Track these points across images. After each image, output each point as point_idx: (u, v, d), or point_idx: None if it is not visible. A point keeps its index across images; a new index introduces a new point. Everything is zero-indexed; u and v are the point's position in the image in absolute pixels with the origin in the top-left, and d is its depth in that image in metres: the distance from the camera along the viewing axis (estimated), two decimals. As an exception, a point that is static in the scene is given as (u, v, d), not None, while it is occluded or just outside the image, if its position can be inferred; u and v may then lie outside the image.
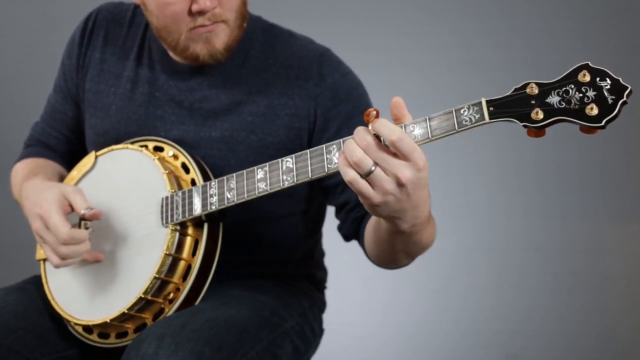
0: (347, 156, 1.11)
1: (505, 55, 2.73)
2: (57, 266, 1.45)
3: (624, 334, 2.71)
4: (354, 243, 1.56)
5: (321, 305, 1.77)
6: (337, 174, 1.23)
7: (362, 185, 1.11)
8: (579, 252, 2.76)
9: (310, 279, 1.75)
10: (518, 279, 2.77)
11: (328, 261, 1.85)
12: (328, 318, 1.79)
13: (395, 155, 1.09)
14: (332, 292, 1.88)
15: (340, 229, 1.54)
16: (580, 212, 2.79)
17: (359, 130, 1.11)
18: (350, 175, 1.11)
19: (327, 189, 1.53)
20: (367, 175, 1.10)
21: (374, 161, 1.09)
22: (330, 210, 1.78)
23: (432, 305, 2.82)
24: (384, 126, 1.09)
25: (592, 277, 2.75)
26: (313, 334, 1.67)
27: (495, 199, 2.78)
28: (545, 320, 2.74)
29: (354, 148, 1.10)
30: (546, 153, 2.75)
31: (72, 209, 1.47)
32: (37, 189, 1.50)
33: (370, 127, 1.15)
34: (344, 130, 1.51)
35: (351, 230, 1.50)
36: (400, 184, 1.09)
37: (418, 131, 1.13)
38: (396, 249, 1.31)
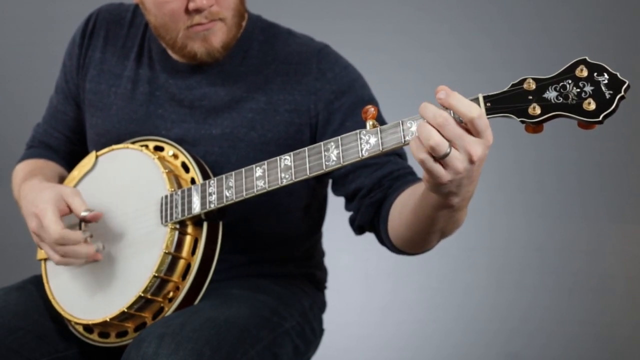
0: (422, 139, 1.06)
1: (505, 54, 2.73)
2: (58, 263, 1.45)
3: (624, 334, 2.71)
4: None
5: (321, 305, 1.77)
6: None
7: (435, 166, 1.07)
8: (580, 252, 2.76)
9: (310, 278, 1.75)
10: (518, 278, 2.77)
11: (328, 261, 1.85)
12: (328, 318, 1.79)
13: (467, 130, 1.06)
14: (332, 292, 1.88)
15: (353, 220, 1.49)
16: (580, 212, 2.79)
17: (428, 107, 1.07)
18: (421, 156, 1.07)
19: (336, 180, 1.51)
20: (442, 158, 1.06)
21: (449, 139, 1.05)
22: (330, 210, 1.78)
23: (433, 305, 2.82)
24: (462, 102, 1.05)
25: (592, 277, 2.75)
26: (313, 333, 1.67)
27: (495, 198, 2.77)
28: (545, 319, 2.74)
29: (430, 130, 1.05)
30: (547, 153, 2.75)
31: (70, 211, 1.47)
32: (35, 190, 1.50)
33: (369, 124, 1.14)
34: (348, 121, 1.50)
35: (367, 218, 1.44)
36: (471, 161, 1.06)
37: (416, 127, 1.12)
38: (435, 228, 1.25)
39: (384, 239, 1.42)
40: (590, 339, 2.69)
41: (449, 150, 1.06)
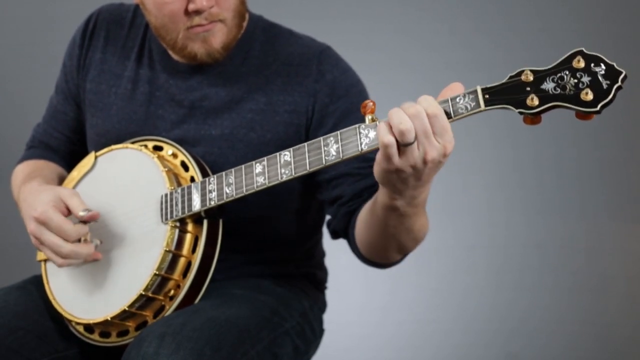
0: (393, 123, 1.10)
1: (505, 54, 2.73)
2: (61, 265, 1.44)
3: (623, 334, 2.71)
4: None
5: (321, 305, 1.77)
6: (332, 168, 1.24)
7: (394, 151, 1.11)
8: (579, 251, 2.76)
9: (310, 278, 1.75)
10: (518, 277, 2.77)
11: (328, 261, 1.85)
12: (328, 318, 1.79)
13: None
14: (332, 292, 1.88)
15: (329, 224, 1.53)
16: (580, 210, 2.79)
17: (408, 103, 1.12)
18: (388, 139, 1.11)
19: (320, 183, 1.52)
20: (404, 145, 1.11)
21: (416, 131, 1.10)
22: (330, 210, 1.78)
23: (432, 305, 2.82)
24: (425, 100, 1.11)
25: (592, 276, 2.75)
26: (313, 333, 1.67)
27: (495, 196, 2.78)
28: (545, 319, 2.73)
29: (403, 116, 1.10)
30: (546, 151, 2.75)
31: (69, 212, 1.46)
32: (34, 192, 1.50)
33: (368, 118, 1.16)
34: (341, 126, 1.50)
35: (341, 225, 1.49)
36: (424, 161, 1.11)
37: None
38: (388, 233, 1.30)
39: (353, 246, 1.46)
40: (590, 339, 2.69)
41: (412, 141, 1.10)
